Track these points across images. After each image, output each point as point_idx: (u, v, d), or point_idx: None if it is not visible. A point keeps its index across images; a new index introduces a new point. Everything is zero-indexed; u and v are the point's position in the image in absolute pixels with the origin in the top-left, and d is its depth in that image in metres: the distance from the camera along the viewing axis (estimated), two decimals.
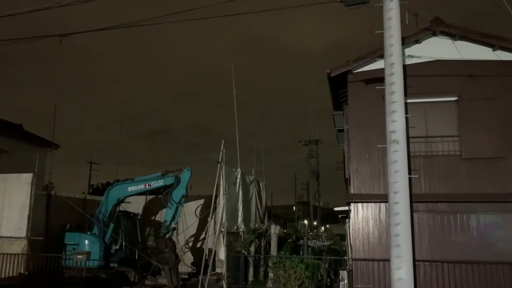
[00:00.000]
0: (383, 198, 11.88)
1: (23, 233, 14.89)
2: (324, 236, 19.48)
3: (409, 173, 7.34)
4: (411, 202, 9.36)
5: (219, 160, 12.71)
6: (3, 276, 13.96)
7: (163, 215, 17.01)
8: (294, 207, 56.19)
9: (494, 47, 12.37)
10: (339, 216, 16.40)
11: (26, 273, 14.25)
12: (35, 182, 15.44)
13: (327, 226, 57.94)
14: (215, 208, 15.02)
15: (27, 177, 15.44)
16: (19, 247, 14.68)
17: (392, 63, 7.64)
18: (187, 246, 19.13)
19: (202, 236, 19.39)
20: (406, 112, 7.86)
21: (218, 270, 14.05)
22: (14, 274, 14.05)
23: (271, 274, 12.15)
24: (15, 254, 14.32)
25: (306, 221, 50.38)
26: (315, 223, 52.17)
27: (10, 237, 14.84)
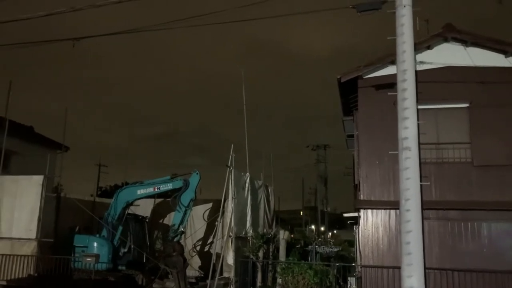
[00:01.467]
0: (393, 204, 11.82)
1: (33, 234, 14.99)
2: (333, 242, 19.37)
3: (420, 180, 7.27)
4: (422, 209, 9.30)
5: (228, 164, 12.70)
6: (12, 277, 14.04)
7: (171, 218, 17.05)
8: (302, 212, 55.99)
9: (506, 53, 12.28)
10: (348, 222, 16.31)
11: (36, 274, 14.33)
12: (46, 184, 15.54)
13: (335, 231, 57.65)
14: (223, 212, 15.02)
15: (37, 179, 15.55)
16: (29, 248, 14.77)
17: (405, 69, 7.60)
18: (195, 250, 19.11)
19: (210, 240, 19.39)
20: (418, 119, 7.80)
21: (225, 274, 14.02)
22: (24, 275, 14.13)
23: (279, 280, 12.11)
24: (25, 256, 14.41)
25: (313, 226, 50.17)
26: (322, 228, 51.97)
27: (20, 238, 14.94)
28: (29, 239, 14.93)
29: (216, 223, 18.02)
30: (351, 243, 20.62)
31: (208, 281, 12.33)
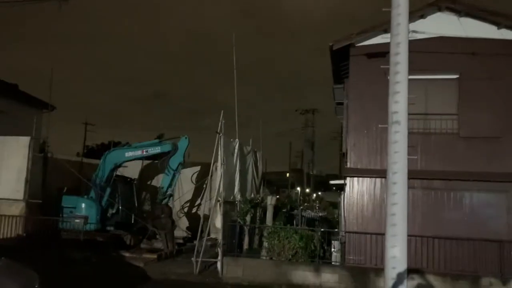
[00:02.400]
0: (379, 173, 12.03)
1: (20, 195, 14.98)
2: (318, 207, 19.76)
3: (408, 154, 7.38)
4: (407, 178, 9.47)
5: (218, 131, 12.68)
6: (1, 237, 14.13)
7: (159, 180, 17.14)
8: (288, 174, 56.62)
9: (499, 25, 12.23)
10: (333, 187, 16.59)
11: (24, 234, 14.43)
12: (33, 145, 15.39)
13: (320, 193, 58.65)
14: (211, 176, 15.13)
15: (24, 140, 15.37)
16: (17, 209, 14.80)
17: (398, 42, 7.52)
18: (183, 212, 19.36)
19: (197, 202, 19.62)
20: (408, 92, 7.81)
21: (213, 235, 14.30)
22: (12, 236, 14.22)
23: (265, 244, 12.38)
24: (13, 216, 14.45)
25: (299, 189, 50.90)
26: (307, 190, 52.81)
27: (8, 199, 14.93)
28: (16, 199, 14.93)
29: (204, 186, 18.20)
30: (335, 205, 21.02)
31: (196, 242, 12.54)
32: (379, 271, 10.04)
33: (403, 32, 7.59)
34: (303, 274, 11.41)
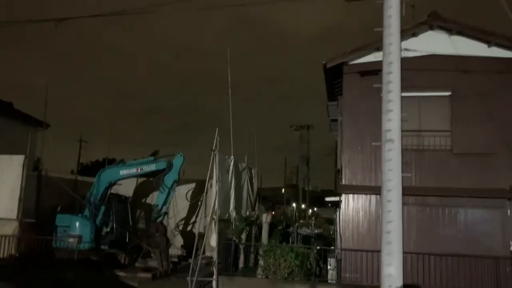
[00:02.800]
0: (374, 190, 12.07)
1: (14, 214, 14.86)
2: (314, 224, 19.74)
3: (402, 171, 7.44)
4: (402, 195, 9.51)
5: (213, 148, 12.70)
6: None
7: (154, 198, 17.08)
8: (283, 190, 56.53)
9: (489, 43, 12.45)
10: (328, 204, 16.59)
11: (17, 254, 14.26)
12: (27, 164, 15.32)
13: (315, 209, 58.46)
14: (206, 193, 15.10)
15: (18, 159, 15.31)
16: (10, 228, 14.65)
17: (390, 61, 7.64)
18: (178, 229, 19.24)
19: (192, 220, 19.52)
20: (401, 110, 7.90)
21: (208, 253, 14.22)
22: (5, 256, 14.05)
23: (261, 262, 12.31)
24: (6, 236, 14.28)
25: (294, 205, 50.78)
26: (303, 206, 52.67)
27: (1, 219, 14.78)
28: (10, 219, 14.80)
29: (199, 203, 18.14)
30: (331, 221, 21.00)
31: (191, 261, 12.45)
32: None
33: (395, 51, 7.72)
34: None
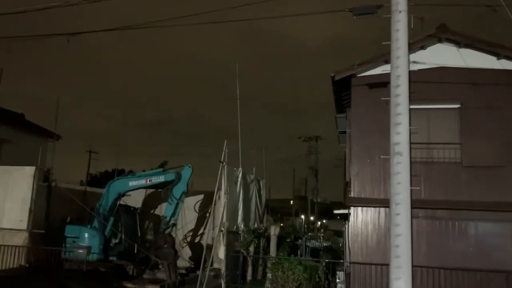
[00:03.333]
0: (383, 203, 11.99)
1: (24, 225, 15.00)
2: (322, 236, 19.63)
3: (411, 185, 7.44)
4: (411, 208, 9.47)
5: (221, 160, 12.77)
6: (3, 268, 14.07)
7: (162, 209, 17.16)
8: (292, 202, 56.37)
9: (498, 56, 12.41)
10: (337, 216, 16.53)
11: (27, 265, 14.38)
12: (38, 175, 15.50)
13: (324, 221, 58.17)
14: (214, 204, 15.12)
15: (29, 170, 15.51)
16: (20, 239, 14.79)
17: (398, 75, 7.69)
18: (186, 241, 19.26)
19: (200, 231, 19.52)
20: (410, 123, 7.91)
21: (216, 265, 14.21)
22: (15, 266, 14.17)
23: (269, 275, 12.28)
24: (16, 246, 14.43)
25: (303, 217, 50.55)
26: (312, 218, 52.43)
27: (11, 229, 14.95)
28: (20, 229, 14.94)
29: (208, 215, 18.16)
30: (340, 234, 20.88)
31: (199, 273, 12.44)
32: None
33: (403, 65, 7.77)
34: None
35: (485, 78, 12.34)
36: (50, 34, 9.13)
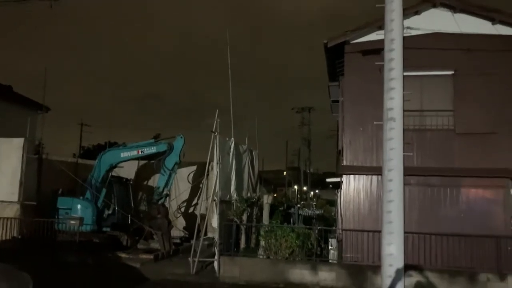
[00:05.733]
0: (375, 170, 12.02)
1: (15, 197, 14.87)
2: (315, 205, 19.74)
3: (404, 150, 7.36)
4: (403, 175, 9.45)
5: (213, 130, 12.61)
6: None
7: (155, 180, 17.08)
8: (285, 173, 56.62)
9: (494, 21, 12.23)
10: (330, 185, 16.57)
11: (19, 237, 14.33)
12: (27, 147, 15.28)
13: (317, 191, 58.64)
14: (207, 175, 15.06)
15: (18, 142, 15.27)
16: (12, 211, 14.69)
17: (392, 38, 7.48)
18: (180, 211, 19.29)
19: (194, 202, 19.54)
20: (403, 89, 7.77)
21: (209, 234, 14.26)
22: (8, 238, 14.12)
23: (262, 243, 12.32)
24: (7, 218, 14.34)
25: (296, 187, 50.92)
26: (305, 188, 52.83)
27: (2, 201, 14.82)
28: (11, 202, 14.82)
29: (201, 185, 18.12)
30: (332, 203, 21.01)
31: (193, 242, 12.47)
32: (377, 268, 10.00)
33: (397, 28, 7.55)
34: (300, 273, 11.36)
35: (480, 44, 12.19)
36: None
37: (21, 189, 15.00)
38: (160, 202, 15.54)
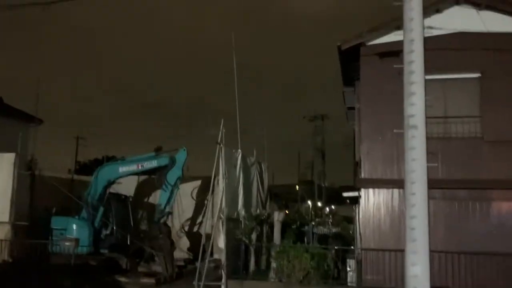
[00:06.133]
0: (396, 183, 11.89)
1: (5, 217, 14.95)
2: (331, 222, 19.62)
3: (427, 161, 7.25)
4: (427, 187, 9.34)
5: (218, 141, 12.61)
6: None
7: (156, 197, 17.09)
8: (297, 187, 56.40)
9: None
10: (347, 200, 16.46)
11: (10, 260, 14.36)
12: (18, 163, 15.38)
13: (332, 207, 58.25)
14: (213, 191, 15.05)
15: (9, 157, 15.39)
16: (2, 232, 14.76)
17: (412, 39, 7.42)
18: (183, 230, 19.27)
19: (198, 220, 19.51)
20: (425, 94, 7.71)
21: (216, 256, 14.17)
22: None
23: (274, 264, 12.25)
24: None
25: (309, 202, 50.61)
26: (319, 204, 52.51)
27: None
28: (1, 222, 14.88)
29: (206, 202, 18.11)
30: (350, 220, 20.86)
31: (198, 264, 12.43)
32: None
33: (417, 27, 7.51)
34: None
35: (508, 44, 12.12)
36: (24, 4, 8.88)
37: (12, 208, 15.07)
38: (162, 220, 15.52)
